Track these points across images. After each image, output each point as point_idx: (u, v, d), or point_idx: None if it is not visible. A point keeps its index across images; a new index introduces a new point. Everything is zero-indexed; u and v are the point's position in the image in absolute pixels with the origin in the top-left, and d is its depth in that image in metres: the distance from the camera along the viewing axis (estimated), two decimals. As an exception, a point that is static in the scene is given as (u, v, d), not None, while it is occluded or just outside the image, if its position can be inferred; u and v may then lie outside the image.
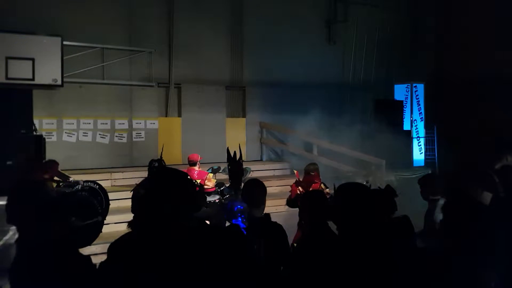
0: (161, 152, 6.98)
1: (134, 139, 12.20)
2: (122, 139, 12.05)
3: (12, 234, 4.86)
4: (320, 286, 3.25)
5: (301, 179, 7.84)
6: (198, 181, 8.25)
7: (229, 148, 6.36)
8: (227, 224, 4.06)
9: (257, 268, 2.99)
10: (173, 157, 11.65)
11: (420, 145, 15.30)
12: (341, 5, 15.41)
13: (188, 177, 3.11)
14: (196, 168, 8.57)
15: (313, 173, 7.95)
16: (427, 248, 3.91)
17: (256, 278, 2.93)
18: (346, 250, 3.21)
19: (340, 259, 3.21)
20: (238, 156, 6.78)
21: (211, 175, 8.47)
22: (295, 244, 6.33)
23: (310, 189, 7.20)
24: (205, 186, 8.19)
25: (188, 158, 8.75)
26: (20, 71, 9.88)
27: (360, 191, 3.40)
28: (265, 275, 3.22)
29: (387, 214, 3.77)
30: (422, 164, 15.00)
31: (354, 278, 3.14)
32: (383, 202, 3.82)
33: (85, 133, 11.60)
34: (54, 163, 7.50)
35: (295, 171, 8.31)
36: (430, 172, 13.07)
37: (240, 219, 3.98)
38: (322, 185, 7.69)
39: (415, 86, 15.15)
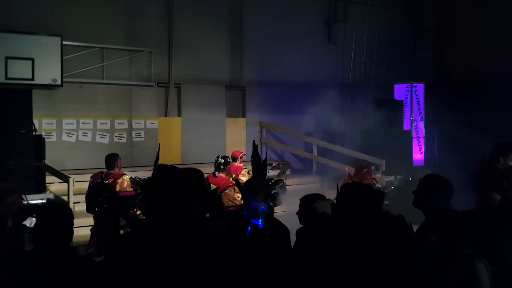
0: (158, 151, 6.98)
1: (134, 139, 12.19)
2: (122, 139, 12.04)
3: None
4: (322, 284, 3.25)
5: (352, 175, 8.56)
6: (234, 175, 8.41)
7: (255, 141, 6.17)
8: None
9: (258, 269, 2.98)
10: (173, 157, 11.65)
11: (420, 145, 15.27)
12: (341, 5, 15.41)
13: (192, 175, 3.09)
14: (236, 163, 8.79)
15: (366, 169, 8.62)
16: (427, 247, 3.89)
17: (257, 278, 2.92)
18: (348, 248, 3.22)
19: (342, 257, 3.21)
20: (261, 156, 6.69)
21: (246, 170, 8.64)
22: None
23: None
24: (239, 180, 8.31)
25: (231, 154, 9.08)
26: (19, 71, 9.88)
27: (362, 190, 3.43)
28: (266, 275, 3.21)
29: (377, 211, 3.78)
30: (422, 164, 14.97)
31: (355, 276, 3.14)
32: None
33: (84, 133, 11.59)
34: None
35: (347, 168, 9.28)
36: (430, 172, 13.03)
37: (260, 220, 3.96)
38: (374, 180, 8.39)
39: (415, 86, 15.11)
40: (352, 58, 15.62)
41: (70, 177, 8.95)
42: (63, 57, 10.47)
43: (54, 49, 10.25)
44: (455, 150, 12.32)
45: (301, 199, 4.46)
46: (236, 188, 7.38)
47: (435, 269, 3.49)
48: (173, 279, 2.67)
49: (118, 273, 2.70)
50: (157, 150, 6.36)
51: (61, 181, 9.22)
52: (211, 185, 7.24)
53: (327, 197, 4.45)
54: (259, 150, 5.36)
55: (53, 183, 9.64)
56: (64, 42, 10.52)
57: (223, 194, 7.23)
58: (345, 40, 15.53)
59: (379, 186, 8.23)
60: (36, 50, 10.07)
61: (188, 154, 12.57)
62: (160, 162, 7.93)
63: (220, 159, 7.63)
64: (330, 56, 15.18)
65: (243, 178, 8.40)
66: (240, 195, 7.21)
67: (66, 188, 8.80)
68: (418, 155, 15.17)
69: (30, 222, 6.21)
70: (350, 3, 15.44)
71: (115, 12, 11.99)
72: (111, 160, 7.47)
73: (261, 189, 4.48)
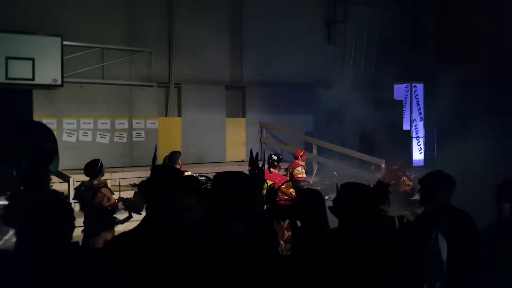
0: (155, 152, 6.99)
1: (134, 139, 12.21)
2: (122, 139, 12.06)
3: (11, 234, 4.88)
4: (320, 283, 3.26)
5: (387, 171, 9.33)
6: (291, 170, 9.88)
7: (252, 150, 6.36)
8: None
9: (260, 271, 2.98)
10: (173, 157, 11.64)
11: (420, 144, 15.30)
12: (341, 5, 15.42)
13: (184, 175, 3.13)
14: (297, 161, 10.06)
15: (396, 167, 9.18)
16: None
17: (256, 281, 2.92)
18: (347, 247, 3.24)
19: (341, 257, 3.22)
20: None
21: (301, 167, 9.95)
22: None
23: (393, 181, 8.26)
24: (294, 176, 9.66)
25: (293, 153, 10.56)
26: (20, 71, 9.90)
27: (361, 190, 3.44)
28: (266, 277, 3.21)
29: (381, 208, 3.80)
30: (422, 164, 14.99)
31: (354, 275, 3.15)
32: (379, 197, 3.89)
33: (85, 133, 11.61)
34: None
35: (382, 164, 10.18)
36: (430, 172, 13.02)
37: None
38: (405, 177, 8.89)
39: (415, 86, 15.14)
40: (352, 58, 15.63)
41: (70, 177, 8.98)
42: (64, 57, 10.49)
43: (55, 49, 10.27)
44: (455, 150, 12.34)
45: (300, 192, 4.52)
46: (290, 183, 8.05)
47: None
48: (167, 278, 2.70)
49: (114, 270, 2.72)
50: (154, 150, 6.41)
51: (61, 181, 9.23)
52: (267, 180, 7.72)
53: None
54: (258, 150, 5.43)
55: (54, 182, 9.65)
56: (65, 42, 10.54)
57: (279, 189, 7.75)
58: (345, 40, 15.55)
59: (411, 183, 8.56)
60: (37, 50, 10.09)
61: (188, 154, 12.56)
62: (158, 162, 8.00)
63: (273, 156, 8.14)
64: (330, 56, 15.20)
65: (299, 175, 9.67)
66: (294, 190, 7.89)
67: (67, 188, 8.82)
68: (417, 155, 15.19)
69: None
70: (350, 3, 15.45)
71: (115, 12, 12.00)
72: (173, 157, 7.89)
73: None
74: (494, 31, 14.49)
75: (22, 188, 5.31)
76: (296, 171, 9.80)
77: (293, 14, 14.39)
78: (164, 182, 2.91)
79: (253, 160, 4.72)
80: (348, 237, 3.30)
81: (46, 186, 5.48)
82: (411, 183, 8.81)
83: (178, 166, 7.80)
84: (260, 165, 4.77)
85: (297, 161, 10.06)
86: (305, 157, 10.37)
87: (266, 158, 12.81)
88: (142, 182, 2.98)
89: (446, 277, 3.75)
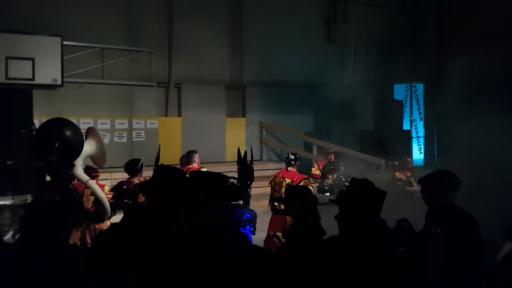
0: (158, 152, 6.99)
1: (134, 139, 12.21)
2: (122, 139, 12.06)
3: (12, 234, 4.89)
4: (315, 283, 3.25)
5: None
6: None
7: (240, 148, 6.35)
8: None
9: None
10: (173, 157, 11.62)
11: (420, 145, 15.29)
12: (341, 5, 15.42)
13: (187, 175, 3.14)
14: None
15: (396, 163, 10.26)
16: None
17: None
18: (347, 245, 3.23)
19: (339, 254, 3.21)
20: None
21: (316, 165, 10.56)
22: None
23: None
24: (312, 174, 10.16)
25: None
26: (20, 71, 9.88)
27: (369, 187, 3.42)
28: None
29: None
30: (422, 164, 14.99)
31: (352, 275, 3.14)
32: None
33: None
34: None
35: (396, 162, 10.77)
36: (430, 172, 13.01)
37: (248, 228, 3.92)
38: (397, 173, 9.79)
39: (415, 86, 15.13)
40: (352, 58, 15.63)
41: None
42: (64, 57, 10.48)
43: (55, 49, 10.25)
44: (455, 150, 12.34)
45: (290, 189, 4.55)
46: (308, 180, 8.20)
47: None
48: (166, 276, 2.70)
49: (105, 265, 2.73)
50: (158, 151, 6.41)
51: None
52: (286, 179, 7.86)
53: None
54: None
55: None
56: (65, 42, 10.52)
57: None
58: (345, 40, 15.54)
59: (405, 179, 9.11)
60: (37, 50, 10.08)
61: (188, 154, 12.59)
62: (160, 162, 7.99)
63: (290, 155, 8.27)
64: (330, 56, 15.19)
65: (314, 172, 10.14)
66: (312, 188, 8.12)
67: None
68: (417, 155, 15.18)
69: None
70: (350, 3, 15.45)
71: (115, 12, 12.01)
72: (190, 156, 8.12)
73: (243, 194, 4.44)
74: (494, 30, 14.50)
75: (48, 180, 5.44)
76: (313, 169, 10.35)
77: (293, 14, 14.39)
78: (166, 182, 2.91)
79: (241, 160, 4.74)
80: (346, 233, 3.28)
81: (67, 181, 5.57)
82: (405, 179, 9.30)
83: (195, 165, 7.98)
84: (248, 164, 4.80)
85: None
86: (331, 156, 10.75)
87: (265, 157, 12.97)
88: (144, 182, 2.98)
89: (447, 278, 3.74)
